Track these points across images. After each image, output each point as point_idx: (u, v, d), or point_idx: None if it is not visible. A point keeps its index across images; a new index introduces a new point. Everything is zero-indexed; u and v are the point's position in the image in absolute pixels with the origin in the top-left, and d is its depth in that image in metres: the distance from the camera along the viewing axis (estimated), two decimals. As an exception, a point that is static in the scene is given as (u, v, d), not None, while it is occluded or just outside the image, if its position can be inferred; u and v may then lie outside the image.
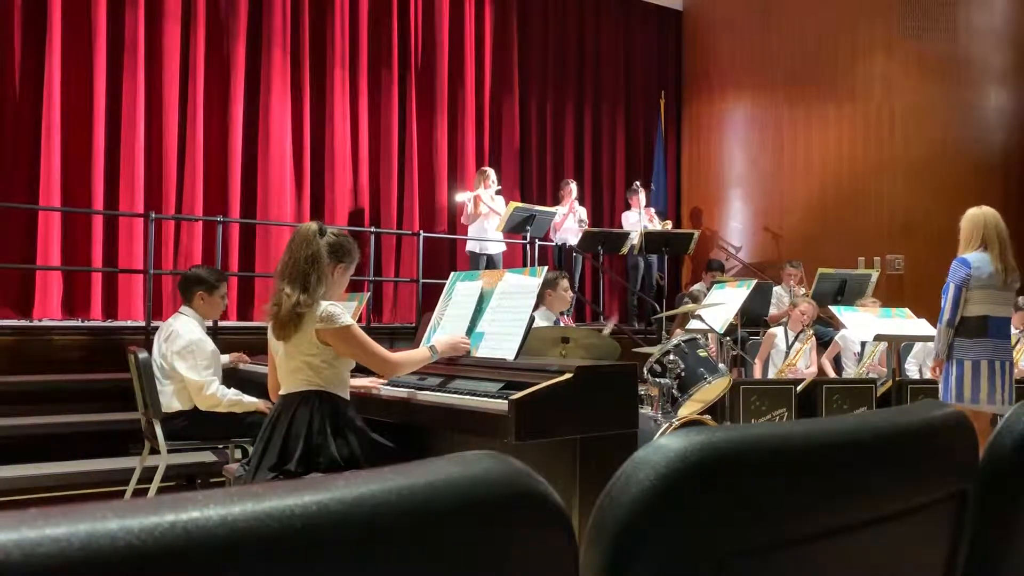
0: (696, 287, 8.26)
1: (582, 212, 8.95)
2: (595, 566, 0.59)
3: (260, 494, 0.44)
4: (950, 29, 9.22)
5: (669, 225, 9.64)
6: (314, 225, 2.93)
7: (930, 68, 9.25)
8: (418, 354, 3.03)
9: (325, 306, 2.83)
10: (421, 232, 7.65)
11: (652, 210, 9.44)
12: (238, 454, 4.40)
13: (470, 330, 3.24)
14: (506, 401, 2.56)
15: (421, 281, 7.36)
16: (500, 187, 8.40)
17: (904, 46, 9.29)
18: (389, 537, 0.46)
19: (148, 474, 4.22)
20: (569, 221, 8.81)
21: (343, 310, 2.89)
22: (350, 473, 0.48)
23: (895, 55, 9.33)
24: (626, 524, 0.58)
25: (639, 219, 8.97)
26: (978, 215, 4.44)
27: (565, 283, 5.05)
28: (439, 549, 0.48)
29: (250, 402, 4.00)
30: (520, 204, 7.84)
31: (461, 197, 8.38)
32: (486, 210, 8.08)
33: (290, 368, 2.90)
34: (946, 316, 4.39)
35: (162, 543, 0.39)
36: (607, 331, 4.81)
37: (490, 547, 0.50)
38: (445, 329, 3.35)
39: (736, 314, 5.69)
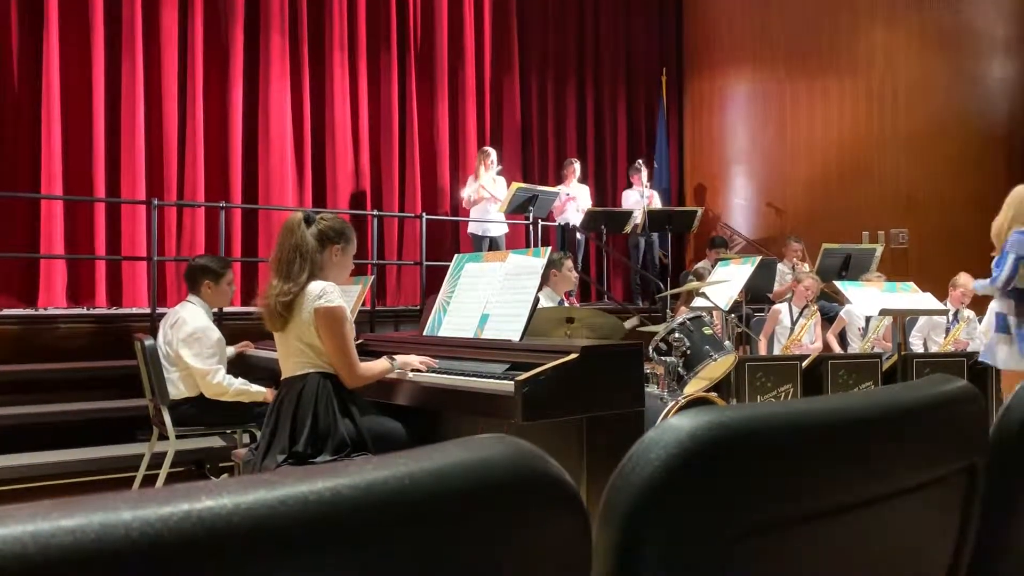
0: (700, 264, 8.24)
1: (582, 194, 8.88)
2: (607, 546, 0.59)
3: (273, 482, 0.44)
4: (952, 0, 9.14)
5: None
6: (299, 215, 2.96)
7: (932, 39, 9.17)
8: (379, 365, 3.00)
9: (323, 285, 2.85)
10: (424, 214, 7.64)
11: (655, 193, 9.39)
12: (246, 439, 4.42)
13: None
14: (512, 382, 2.57)
15: (424, 264, 7.36)
16: (501, 167, 8.36)
17: (906, 18, 9.21)
18: (403, 522, 0.46)
19: (157, 460, 4.24)
20: (572, 201, 8.79)
21: (340, 295, 2.90)
22: (362, 459, 0.48)
23: (897, 27, 9.25)
24: (637, 505, 0.58)
25: (640, 200, 8.94)
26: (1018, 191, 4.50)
27: (570, 263, 5.05)
28: (452, 533, 0.48)
29: (256, 391, 4.01)
30: (522, 185, 7.81)
31: (465, 193, 8.29)
32: (488, 195, 8.05)
33: (289, 351, 2.93)
34: (1000, 280, 4.38)
35: (176, 532, 0.40)
36: (631, 324, 4.78)
37: (503, 530, 0.50)
38: (455, 311, 3.35)
39: (741, 291, 5.67)
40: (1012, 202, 4.47)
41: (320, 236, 2.94)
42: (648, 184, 9.20)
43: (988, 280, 4.53)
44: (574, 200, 8.71)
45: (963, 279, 6.16)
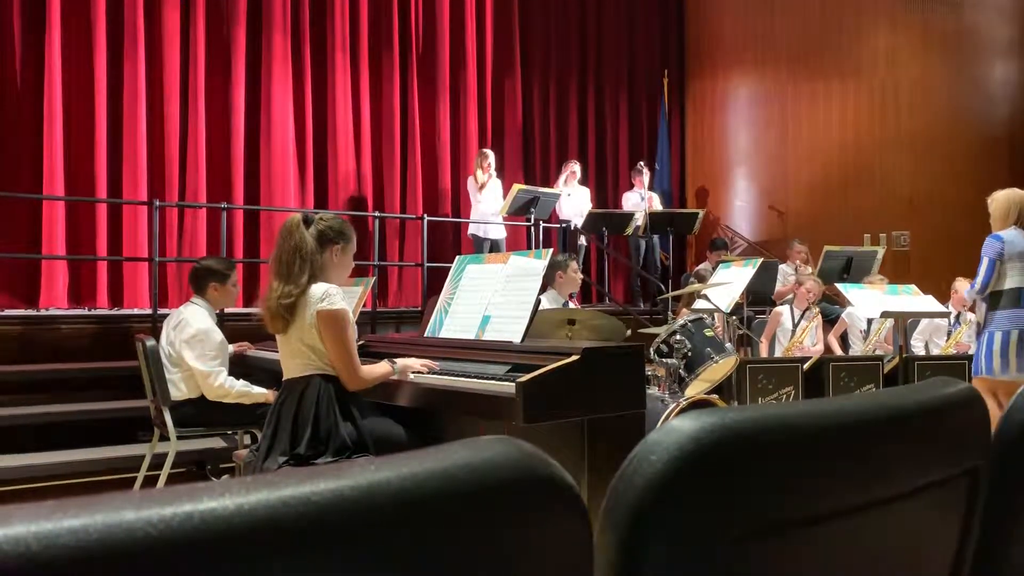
0: (702, 266, 8.25)
1: (582, 197, 8.91)
2: (609, 548, 0.59)
3: (275, 483, 0.44)
4: (955, 2, 9.13)
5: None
6: (298, 216, 2.94)
7: (935, 42, 9.17)
8: (380, 369, 2.99)
9: (326, 288, 2.84)
10: (425, 216, 7.64)
11: (654, 196, 9.40)
12: (247, 440, 4.42)
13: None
14: (513, 384, 2.56)
15: (426, 265, 7.36)
16: (495, 167, 8.36)
17: (908, 20, 9.21)
18: (406, 522, 0.46)
19: (158, 461, 4.24)
20: (572, 202, 8.79)
21: (343, 297, 2.90)
22: (365, 459, 0.48)
23: (899, 29, 9.25)
24: (640, 507, 0.58)
25: (640, 202, 8.95)
26: (1011, 195, 4.65)
27: (575, 265, 5.04)
28: (454, 534, 0.48)
29: (258, 393, 4.01)
30: (524, 186, 7.82)
31: (472, 195, 8.32)
32: (485, 178, 8.06)
33: (290, 352, 2.92)
34: (977, 284, 4.59)
35: (180, 533, 0.40)
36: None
37: (506, 531, 0.50)
38: (456, 313, 3.35)
39: (742, 293, 5.67)
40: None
41: (319, 237, 2.92)
42: (649, 188, 9.21)
43: (971, 286, 4.67)
44: (571, 193, 8.76)
45: (960, 284, 6.17)
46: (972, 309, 5.61)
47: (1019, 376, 4.35)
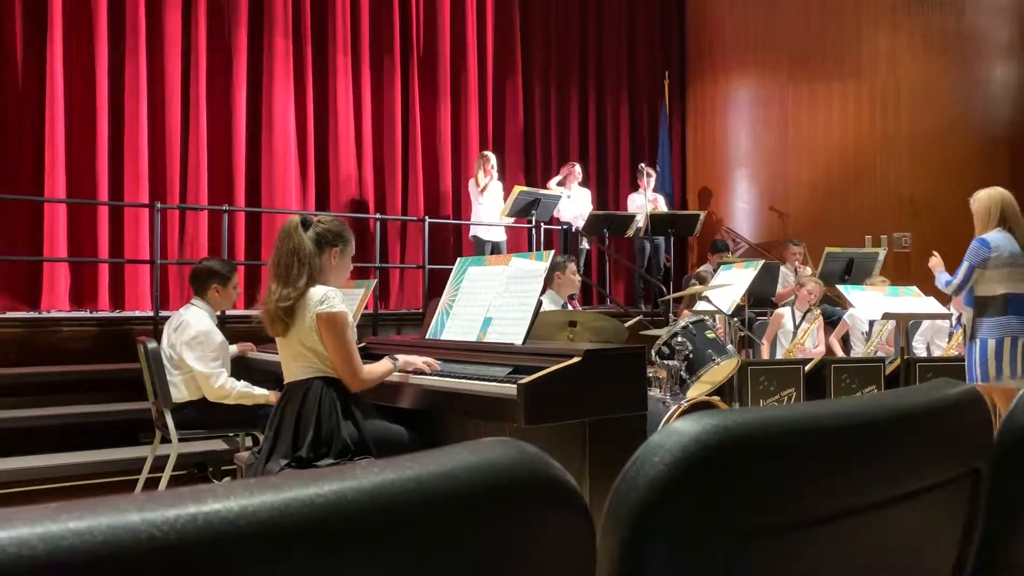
0: (703, 268, 8.25)
1: (583, 199, 8.92)
2: (612, 549, 0.59)
3: (279, 485, 0.44)
4: (956, 3, 9.14)
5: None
6: (296, 219, 2.93)
7: (935, 43, 9.17)
8: (381, 367, 3.00)
9: (325, 291, 2.84)
10: (426, 218, 7.64)
11: (658, 197, 9.41)
12: (249, 442, 4.42)
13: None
14: (515, 385, 2.57)
15: (427, 267, 7.36)
16: (498, 171, 8.37)
17: (909, 21, 9.22)
18: (409, 525, 0.46)
19: (159, 463, 4.24)
20: (573, 204, 8.79)
21: (342, 300, 2.90)
22: (367, 462, 0.49)
23: (900, 31, 9.26)
24: (642, 508, 0.58)
25: (644, 203, 8.95)
26: (993, 195, 4.53)
27: (573, 266, 5.05)
28: (456, 536, 0.48)
29: (260, 394, 4.01)
30: (525, 188, 7.81)
31: (473, 197, 8.32)
32: (486, 180, 8.06)
33: (291, 355, 2.92)
34: (952, 286, 4.49)
35: (184, 535, 0.40)
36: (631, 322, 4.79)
37: (508, 532, 0.50)
38: (457, 315, 3.35)
39: (743, 295, 5.67)
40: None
41: (318, 239, 2.91)
42: (653, 189, 9.22)
43: (947, 280, 4.59)
44: (572, 194, 8.77)
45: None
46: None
47: (1012, 383, 4.30)
